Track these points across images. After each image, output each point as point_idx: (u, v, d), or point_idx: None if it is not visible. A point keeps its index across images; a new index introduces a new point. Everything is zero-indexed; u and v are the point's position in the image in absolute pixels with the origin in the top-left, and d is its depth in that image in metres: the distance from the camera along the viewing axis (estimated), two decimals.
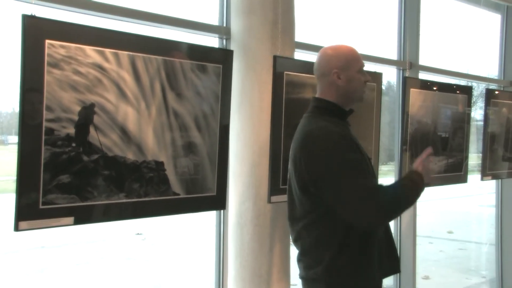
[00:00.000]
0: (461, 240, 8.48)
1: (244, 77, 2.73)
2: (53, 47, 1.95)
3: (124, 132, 2.19)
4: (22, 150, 1.91)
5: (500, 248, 5.15)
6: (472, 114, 4.33)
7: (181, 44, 2.42)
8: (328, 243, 1.97)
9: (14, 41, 1.92)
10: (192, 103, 2.42)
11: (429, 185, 2.08)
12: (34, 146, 1.93)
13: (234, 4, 2.77)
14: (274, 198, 2.68)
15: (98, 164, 2.11)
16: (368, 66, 2.94)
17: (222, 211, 2.85)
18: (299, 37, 2.97)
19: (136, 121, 2.23)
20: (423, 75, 4.12)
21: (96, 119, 2.09)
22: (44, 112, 1.94)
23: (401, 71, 4.03)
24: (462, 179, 4.17)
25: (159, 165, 2.31)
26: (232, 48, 2.73)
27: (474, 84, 5.25)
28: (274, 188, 2.68)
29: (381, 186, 1.97)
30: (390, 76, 4.23)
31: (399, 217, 4.06)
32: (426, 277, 5.68)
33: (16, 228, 1.92)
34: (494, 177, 4.62)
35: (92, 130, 2.09)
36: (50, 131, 1.96)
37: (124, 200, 2.20)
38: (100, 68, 2.10)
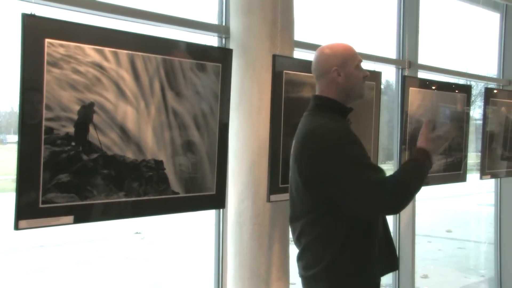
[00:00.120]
0: (460, 239, 8.49)
1: (243, 76, 2.73)
2: (53, 46, 1.95)
3: (123, 131, 2.19)
4: (22, 149, 1.91)
5: (499, 247, 5.16)
6: (471, 113, 4.34)
7: (180, 43, 2.42)
8: (329, 242, 1.98)
9: (14, 40, 1.92)
10: (191, 102, 2.42)
11: (437, 153, 2.06)
12: (33, 145, 1.93)
13: (233, 3, 2.77)
14: (273, 197, 2.69)
15: (97, 163, 2.11)
16: (367, 65, 2.95)
17: (221, 210, 2.85)
18: (298, 36, 2.97)
19: (136, 120, 2.23)
20: (422, 74, 4.12)
21: (95, 118, 2.09)
22: (44, 111, 1.94)
23: (400, 70, 4.03)
24: (461, 178, 4.17)
25: (159, 164, 2.31)
26: (231, 47, 2.73)
27: (472, 83, 5.26)
28: (273, 187, 2.68)
29: (386, 176, 1.95)
30: (388, 75, 4.24)
31: (398, 216, 4.07)
32: (425, 276, 5.69)
33: (16, 227, 1.92)
34: (493, 176, 4.62)
35: (91, 129, 2.09)
36: (49, 130, 1.96)
37: (124, 199, 2.20)
38: (99, 67, 2.10)
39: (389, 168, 4.38)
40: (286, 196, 2.69)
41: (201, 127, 2.47)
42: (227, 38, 2.80)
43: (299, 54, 3.08)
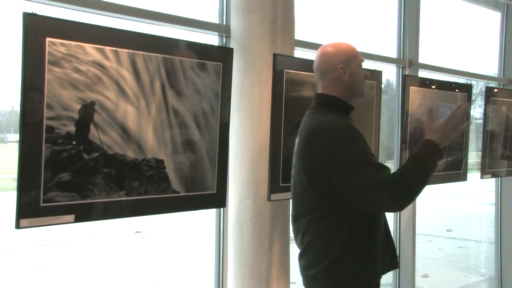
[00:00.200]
0: (460, 238, 8.50)
1: (243, 75, 2.73)
2: (54, 45, 1.95)
3: (124, 130, 2.19)
4: (23, 148, 1.91)
5: (500, 246, 5.16)
6: (471, 112, 4.34)
7: (181, 42, 2.42)
8: (332, 240, 1.98)
9: (15, 39, 1.92)
10: (192, 101, 2.42)
11: (448, 140, 2.02)
12: (34, 144, 1.93)
13: (234, 2, 2.77)
14: (273, 196, 2.69)
15: (98, 162, 2.11)
16: (368, 64, 2.95)
17: (221, 209, 2.86)
18: (299, 35, 2.97)
19: (136, 119, 2.23)
20: (422, 73, 4.12)
21: (96, 117, 2.10)
22: (45, 110, 1.94)
23: (400, 69, 4.03)
24: (462, 177, 4.17)
25: (159, 163, 2.31)
26: (232, 46, 2.73)
27: (473, 82, 5.26)
28: (274, 186, 2.68)
29: (390, 174, 1.93)
30: (389, 74, 4.24)
31: (398, 215, 4.07)
32: (425, 275, 5.69)
33: (17, 226, 1.92)
34: (494, 175, 4.62)
35: (92, 128, 2.09)
36: (50, 129, 1.97)
37: (124, 198, 2.21)
38: (100, 66, 2.10)
39: (389, 167, 4.37)
40: (286, 195, 2.70)
41: (202, 126, 2.47)
42: (228, 37, 2.80)
43: (300, 53, 3.08)
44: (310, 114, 2.11)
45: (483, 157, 4.39)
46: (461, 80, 4.68)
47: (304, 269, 2.09)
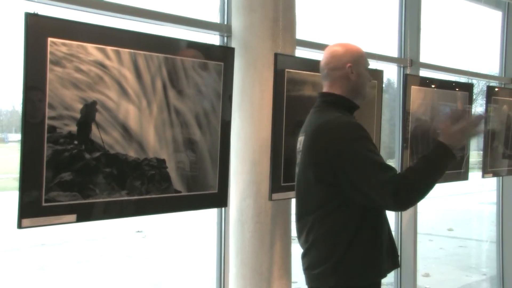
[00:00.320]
0: (461, 238, 8.50)
1: (244, 75, 2.73)
2: (55, 45, 1.95)
3: (125, 130, 2.19)
4: (25, 148, 1.91)
5: (501, 245, 5.16)
6: (473, 111, 4.33)
7: (182, 42, 2.42)
8: (337, 239, 1.98)
9: (17, 39, 1.92)
10: (193, 100, 2.42)
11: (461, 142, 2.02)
12: (36, 144, 1.93)
13: (235, 2, 2.77)
14: (275, 196, 2.69)
15: (100, 162, 2.11)
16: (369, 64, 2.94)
17: (223, 208, 2.86)
18: (300, 34, 2.97)
19: (138, 119, 2.23)
20: (423, 73, 4.12)
21: (98, 116, 2.10)
22: (47, 110, 1.95)
23: (401, 69, 4.03)
24: (463, 176, 4.17)
25: (161, 162, 2.32)
26: (233, 45, 2.73)
27: (474, 81, 5.25)
28: (275, 185, 2.68)
29: (395, 174, 1.93)
30: (390, 74, 4.24)
31: (400, 214, 4.07)
32: (427, 275, 5.69)
33: (19, 226, 1.92)
34: (495, 174, 4.62)
35: (94, 127, 2.09)
36: (52, 129, 1.97)
37: (126, 198, 2.21)
38: (101, 65, 2.10)
39: None
40: (288, 194, 2.70)
41: (203, 125, 2.47)
42: (229, 36, 2.80)
43: (301, 52, 3.08)
44: (315, 112, 2.12)
45: (484, 156, 4.39)
46: (462, 79, 4.68)
47: (308, 268, 2.08)
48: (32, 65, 1.90)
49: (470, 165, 4.30)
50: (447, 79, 4.27)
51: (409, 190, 1.88)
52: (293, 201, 2.61)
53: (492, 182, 5.28)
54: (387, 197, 1.86)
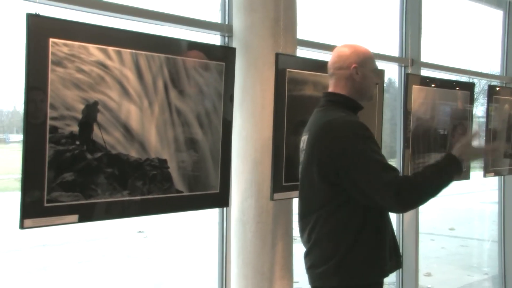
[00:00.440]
0: (463, 237, 8.49)
1: (246, 75, 2.73)
2: (57, 46, 1.96)
3: (127, 130, 2.19)
4: (27, 148, 1.91)
5: (503, 244, 5.15)
6: (474, 111, 4.33)
7: (183, 42, 2.43)
8: (340, 238, 1.99)
9: (18, 39, 1.93)
10: (194, 100, 2.42)
11: (473, 159, 2.09)
12: (38, 144, 1.94)
13: (236, 2, 2.77)
14: (276, 196, 2.69)
15: (101, 162, 2.11)
16: None
17: (224, 208, 2.86)
18: (301, 34, 2.97)
19: (139, 119, 2.23)
20: (425, 72, 4.12)
21: (99, 117, 2.10)
22: (48, 110, 1.95)
23: (403, 68, 4.03)
24: (465, 175, 4.16)
25: (162, 162, 2.32)
26: (234, 45, 2.73)
27: (475, 80, 5.25)
28: (277, 185, 2.68)
29: (399, 175, 1.95)
30: (391, 73, 4.24)
31: (401, 214, 4.06)
32: (428, 274, 5.69)
33: (21, 226, 1.92)
34: (497, 173, 4.61)
35: (95, 128, 2.09)
36: (54, 129, 1.97)
37: (128, 198, 2.21)
38: (103, 66, 2.10)
39: None
40: (289, 194, 2.70)
41: (205, 125, 2.47)
42: (230, 36, 2.80)
43: (302, 52, 3.08)
44: (319, 112, 2.13)
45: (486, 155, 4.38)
46: (463, 78, 4.68)
47: (311, 267, 2.09)
48: (33, 65, 1.90)
49: (472, 164, 4.29)
50: (448, 78, 4.26)
51: (412, 191, 1.90)
52: (295, 201, 2.62)
53: (493, 181, 5.27)
54: (388, 198, 1.88)
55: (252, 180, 2.73)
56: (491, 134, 4.39)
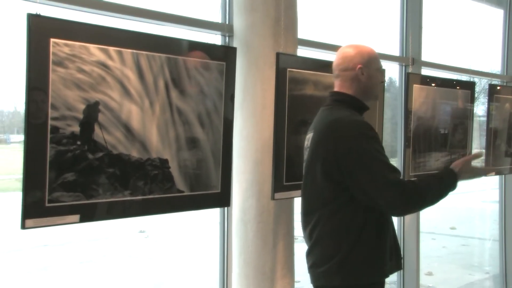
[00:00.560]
0: (464, 236, 8.48)
1: (246, 74, 2.73)
2: (58, 46, 1.96)
3: (128, 130, 2.19)
4: (28, 148, 1.92)
5: (504, 243, 5.15)
6: (474, 110, 4.33)
7: (184, 42, 2.43)
8: (342, 237, 1.99)
9: (19, 40, 1.93)
10: (195, 100, 2.43)
11: (467, 178, 2.17)
12: (39, 145, 1.94)
13: (236, 1, 2.77)
14: (277, 195, 2.69)
15: (103, 162, 2.11)
16: None
17: (226, 208, 2.86)
18: (301, 34, 2.97)
19: (140, 119, 2.23)
20: (425, 71, 4.12)
21: (100, 117, 2.10)
22: (49, 110, 1.95)
23: (403, 67, 4.03)
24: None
25: (164, 162, 2.32)
26: (235, 45, 2.73)
27: (476, 79, 5.25)
28: (278, 185, 2.68)
29: (401, 178, 2.00)
30: (392, 72, 4.24)
31: None
32: (429, 273, 5.69)
33: (23, 226, 1.92)
34: (497, 172, 4.61)
35: (96, 128, 2.09)
36: (55, 129, 1.97)
37: (129, 198, 2.21)
38: (104, 66, 2.10)
39: None
40: (290, 194, 2.70)
41: (206, 125, 2.48)
42: (231, 36, 2.80)
43: (303, 52, 3.08)
44: (325, 110, 2.14)
45: (487, 154, 4.38)
46: (464, 77, 4.67)
47: (313, 266, 2.09)
48: (34, 66, 1.91)
49: (472, 164, 4.29)
50: (449, 77, 4.26)
51: (415, 194, 1.95)
52: (296, 201, 2.62)
53: (494, 180, 5.27)
54: (391, 197, 1.90)
55: (253, 180, 2.73)
56: (491, 133, 4.39)
